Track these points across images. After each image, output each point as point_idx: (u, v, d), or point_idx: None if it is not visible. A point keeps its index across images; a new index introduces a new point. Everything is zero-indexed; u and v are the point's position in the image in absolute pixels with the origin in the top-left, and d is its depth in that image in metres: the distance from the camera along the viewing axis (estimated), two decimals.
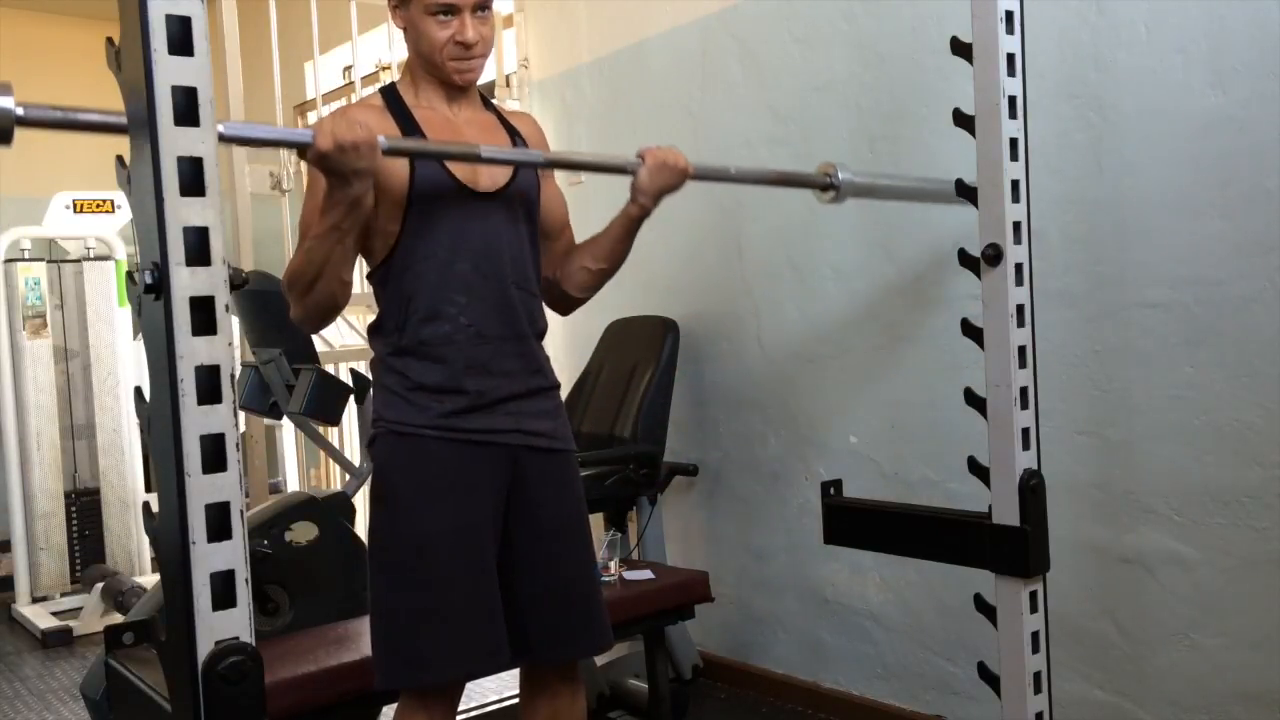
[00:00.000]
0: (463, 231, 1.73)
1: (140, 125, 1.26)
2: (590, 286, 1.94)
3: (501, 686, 3.09)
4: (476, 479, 1.74)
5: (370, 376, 1.91)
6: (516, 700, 1.92)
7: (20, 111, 1.24)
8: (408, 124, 1.74)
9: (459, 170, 1.73)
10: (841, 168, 2.13)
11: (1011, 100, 1.96)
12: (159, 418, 1.30)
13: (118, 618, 4.02)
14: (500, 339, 1.76)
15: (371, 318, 1.83)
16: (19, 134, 1.24)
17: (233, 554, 1.30)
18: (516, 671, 1.93)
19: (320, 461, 4.87)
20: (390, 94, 1.79)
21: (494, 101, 1.93)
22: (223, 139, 1.32)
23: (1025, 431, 1.99)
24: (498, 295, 1.76)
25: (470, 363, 1.74)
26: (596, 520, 3.24)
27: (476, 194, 1.74)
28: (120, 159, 1.35)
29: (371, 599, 1.76)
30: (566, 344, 3.65)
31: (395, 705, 1.78)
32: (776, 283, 3.05)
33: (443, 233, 1.72)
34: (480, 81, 1.85)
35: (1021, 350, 1.99)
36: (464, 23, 1.71)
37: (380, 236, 1.73)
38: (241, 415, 3.24)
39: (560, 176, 2.08)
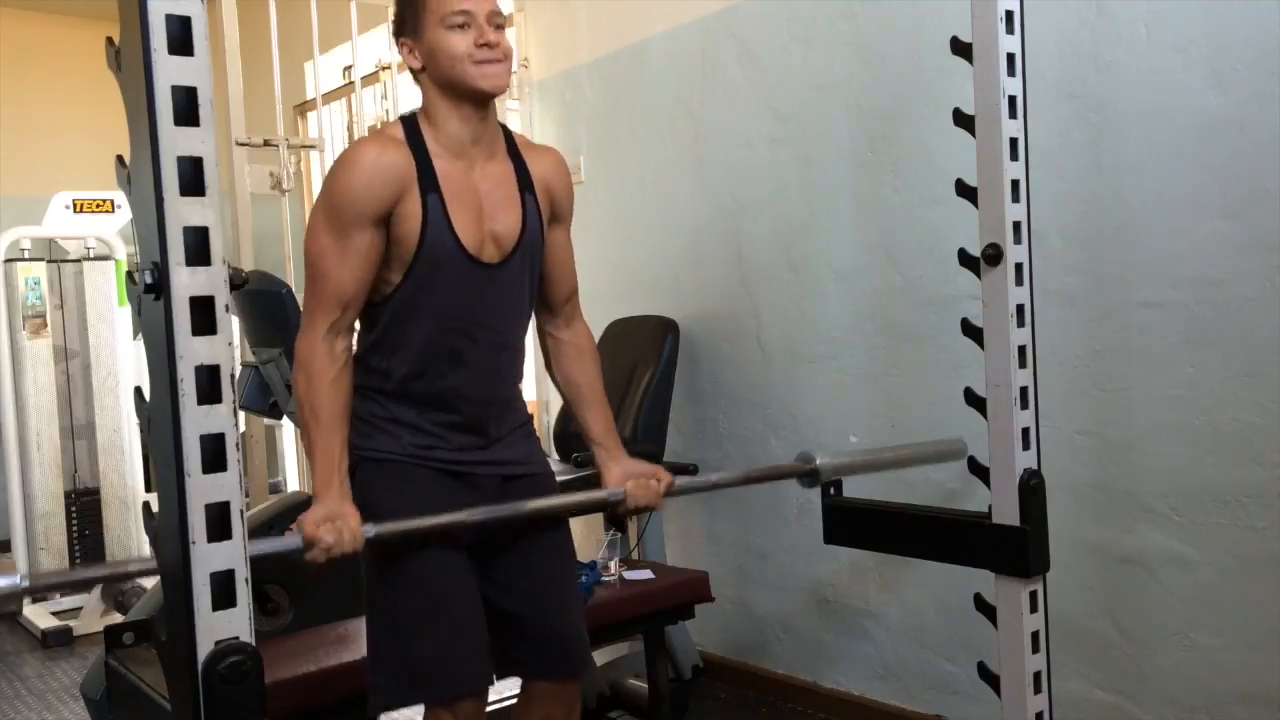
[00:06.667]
0: (461, 301, 1.73)
1: (140, 125, 1.27)
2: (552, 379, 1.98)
3: (501, 686, 3.08)
4: (453, 499, 1.75)
5: None
6: (515, 701, 1.92)
7: (25, 584, 1.32)
8: (426, 174, 1.70)
9: (468, 240, 1.71)
10: (822, 453, 2.06)
11: (1011, 100, 1.95)
12: (159, 418, 1.30)
13: (118, 618, 4.02)
14: (486, 402, 1.80)
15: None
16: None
17: (233, 554, 1.30)
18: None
19: None
20: (411, 128, 1.74)
21: (516, 136, 1.86)
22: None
23: (1025, 431, 1.99)
24: (486, 361, 1.78)
25: (452, 420, 1.77)
26: (596, 520, 3.24)
27: (481, 264, 1.73)
28: (120, 159, 1.35)
29: (368, 618, 1.77)
30: None
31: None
32: (776, 283, 3.05)
33: (441, 300, 1.72)
34: None
35: (1021, 350, 1.99)
36: (482, 28, 1.69)
37: (381, 280, 1.72)
38: (241, 415, 3.24)
39: None
